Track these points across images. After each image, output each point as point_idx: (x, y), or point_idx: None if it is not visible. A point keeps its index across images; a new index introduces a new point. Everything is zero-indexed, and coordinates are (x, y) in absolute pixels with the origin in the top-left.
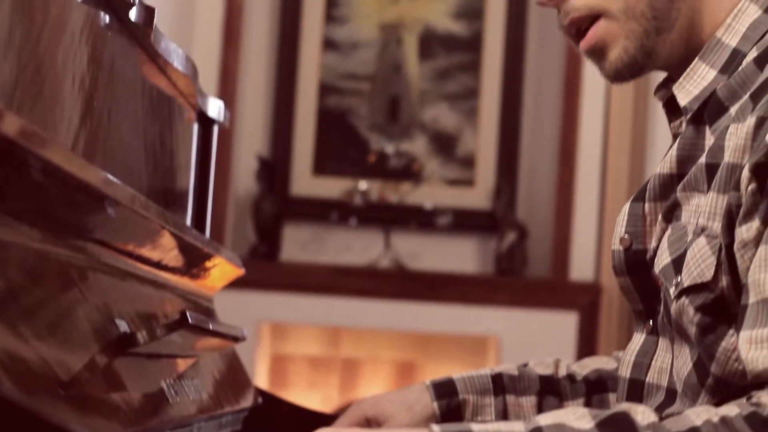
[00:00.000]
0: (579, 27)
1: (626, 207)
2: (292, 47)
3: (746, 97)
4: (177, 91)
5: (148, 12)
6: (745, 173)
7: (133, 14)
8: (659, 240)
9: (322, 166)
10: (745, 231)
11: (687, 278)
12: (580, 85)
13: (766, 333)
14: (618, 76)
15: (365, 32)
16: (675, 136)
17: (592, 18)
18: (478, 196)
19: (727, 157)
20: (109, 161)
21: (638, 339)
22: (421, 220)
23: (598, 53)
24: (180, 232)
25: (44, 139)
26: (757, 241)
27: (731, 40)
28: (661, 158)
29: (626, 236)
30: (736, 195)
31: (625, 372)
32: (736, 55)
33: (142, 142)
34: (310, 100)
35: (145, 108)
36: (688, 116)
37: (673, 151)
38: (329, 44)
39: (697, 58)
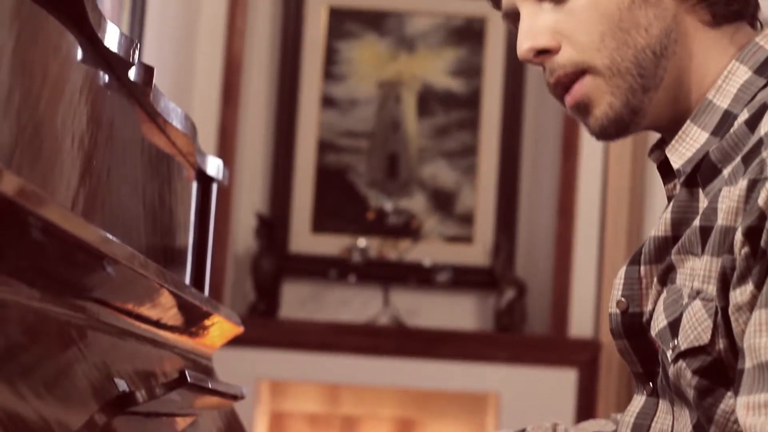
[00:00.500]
0: (565, 84)
1: (622, 270)
2: (291, 105)
3: (738, 159)
4: (176, 150)
5: (148, 71)
6: (738, 237)
7: (132, 73)
8: (655, 303)
9: (321, 223)
10: (740, 294)
11: (684, 342)
12: (578, 143)
13: (764, 398)
14: (603, 133)
15: (364, 90)
16: (669, 198)
17: (578, 74)
18: (477, 253)
19: (721, 220)
20: (108, 220)
21: (638, 401)
22: (420, 277)
23: (583, 110)
24: (179, 291)
25: (43, 198)
26: (751, 304)
27: (722, 101)
28: (657, 219)
29: (623, 299)
30: (729, 258)
31: None
32: (728, 117)
33: (142, 201)
34: (309, 157)
35: (145, 166)
36: (682, 179)
37: (668, 214)
38: (328, 102)
39: (688, 120)
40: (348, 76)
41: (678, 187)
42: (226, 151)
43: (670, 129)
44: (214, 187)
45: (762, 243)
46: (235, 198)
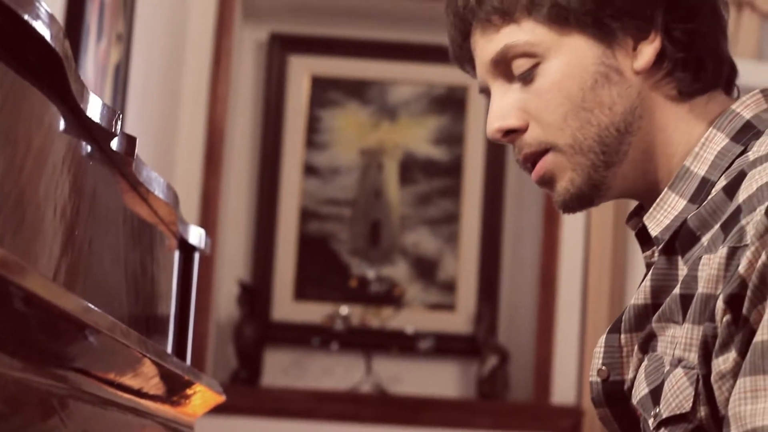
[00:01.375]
0: (531, 162)
1: (602, 339)
2: (273, 173)
3: (717, 227)
4: (158, 219)
5: (130, 141)
6: (720, 305)
7: (115, 144)
8: (636, 371)
9: (303, 291)
10: (722, 362)
11: (665, 410)
12: (559, 211)
13: None
14: (566, 206)
15: (346, 158)
16: (648, 266)
17: (543, 152)
18: (459, 321)
19: (701, 288)
20: (90, 289)
21: None
22: (402, 344)
23: (547, 184)
24: (160, 360)
25: (24, 267)
26: (735, 372)
27: (699, 168)
28: (636, 287)
29: (603, 368)
30: (711, 326)
31: None
32: (705, 184)
33: (124, 270)
34: (291, 225)
35: (127, 236)
36: (661, 246)
37: (647, 282)
38: (310, 170)
39: (666, 188)
40: (330, 144)
41: (656, 254)
42: (208, 219)
43: (643, 197)
44: (197, 255)
45: (744, 310)
46: (218, 265)
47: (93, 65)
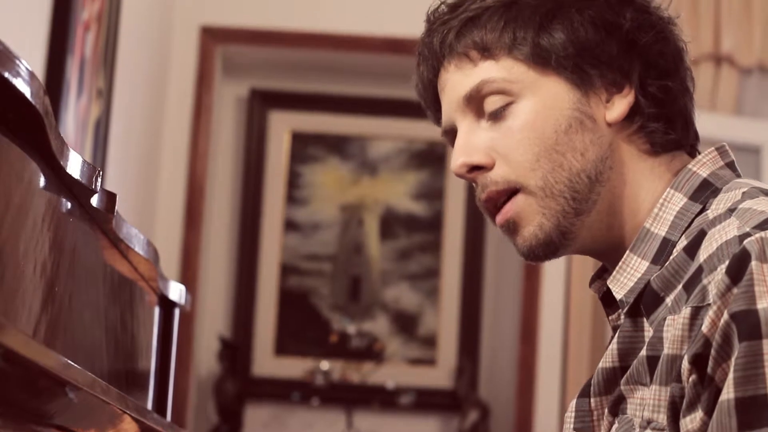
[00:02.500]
0: (495, 201)
1: (573, 403)
2: (254, 228)
3: (680, 287)
4: (138, 275)
5: (110, 198)
6: (685, 364)
7: (95, 200)
8: None
9: (284, 346)
10: (690, 422)
11: None
12: (540, 265)
13: None
14: (531, 253)
15: (326, 213)
16: (614, 329)
17: (510, 192)
18: (440, 375)
19: (667, 349)
20: (70, 345)
21: None
22: (383, 399)
23: (512, 228)
24: (140, 416)
25: (4, 324)
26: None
27: (660, 229)
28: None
29: None
30: (678, 386)
31: None
32: (666, 244)
33: (104, 326)
34: (272, 280)
35: (107, 292)
36: (625, 309)
37: (614, 345)
38: (291, 225)
39: (628, 251)
40: (311, 199)
41: (622, 317)
42: (188, 274)
43: (607, 255)
44: (177, 311)
45: (708, 370)
46: (198, 321)
47: (73, 120)
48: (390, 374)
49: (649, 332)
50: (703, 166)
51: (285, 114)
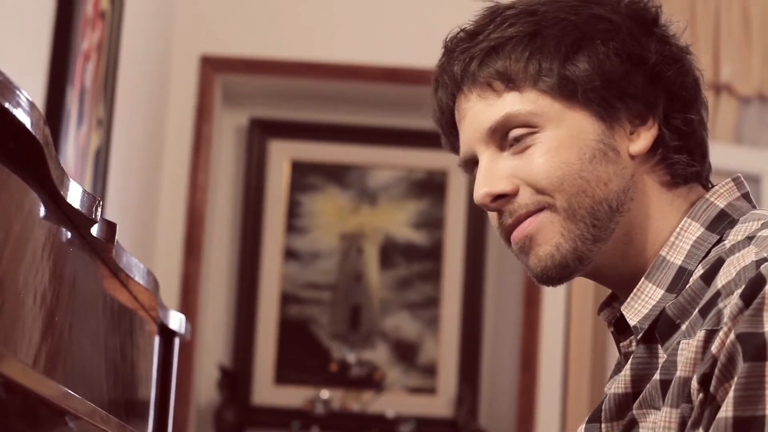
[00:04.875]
0: (521, 220)
1: (582, 428)
2: (254, 258)
3: (696, 312)
4: (138, 305)
5: (110, 228)
6: (694, 385)
7: (95, 230)
8: None
9: (284, 375)
10: None
11: None
12: (539, 294)
13: None
14: (545, 274)
15: (326, 242)
16: (626, 356)
17: (536, 210)
18: (440, 404)
19: (679, 371)
20: (70, 375)
21: None
22: (383, 428)
23: (528, 246)
24: None
25: (4, 354)
26: None
27: (676, 258)
28: (611, 377)
29: None
30: (688, 407)
31: None
32: (683, 273)
33: (104, 355)
34: (272, 309)
35: (107, 321)
36: (640, 335)
37: (627, 371)
38: (290, 254)
39: (643, 278)
40: (310, 228)
41: (635, 343)
42: (188, 304)
43: (618, 283)
44: (177, 340)
45: (711, 388)
46: (198, 350)
47: (73, 150)
48: (390, 403)
49: (662, 358)
50: (720, 197)
51: (284, 143)
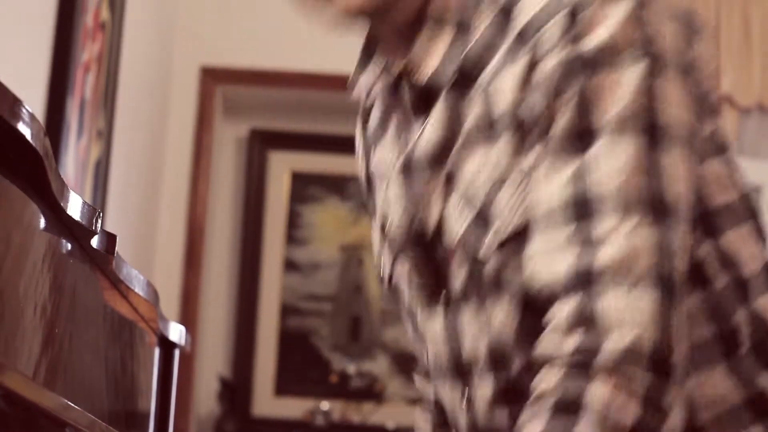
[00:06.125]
0: None
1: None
2: (254, 269)
3: (510, 42)
4: (138, 316)
5: (110, 239)
6: (529, 112)
7: (95, 242)
8: (442, 210)
9: (284, 386)
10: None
11: (503, 228)
12: None
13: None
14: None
15: (326, 253)
16: (385, 118)
17: None
18: None
19: (504, 103)
20: (70, 386)
21: (437, 323)
22: None
23: None
24: None
25: (4, 365)
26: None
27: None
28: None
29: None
30: (519, 135)
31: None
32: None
33: (104, 367)
34: (272, 321)
35: (107, 333)
36: (447, 88)
37: (433, 124)
38: (290, 266)
39: (425, 28)
40: (311, 239)
41: (439, 101)
42: (188, 315)
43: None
44: (177, 352)
45: (544, 110)
46: (198, 361)
47: (73, 161)
48: (390, 414)
49: (476, 96)
50: None
51: (285, 154)
